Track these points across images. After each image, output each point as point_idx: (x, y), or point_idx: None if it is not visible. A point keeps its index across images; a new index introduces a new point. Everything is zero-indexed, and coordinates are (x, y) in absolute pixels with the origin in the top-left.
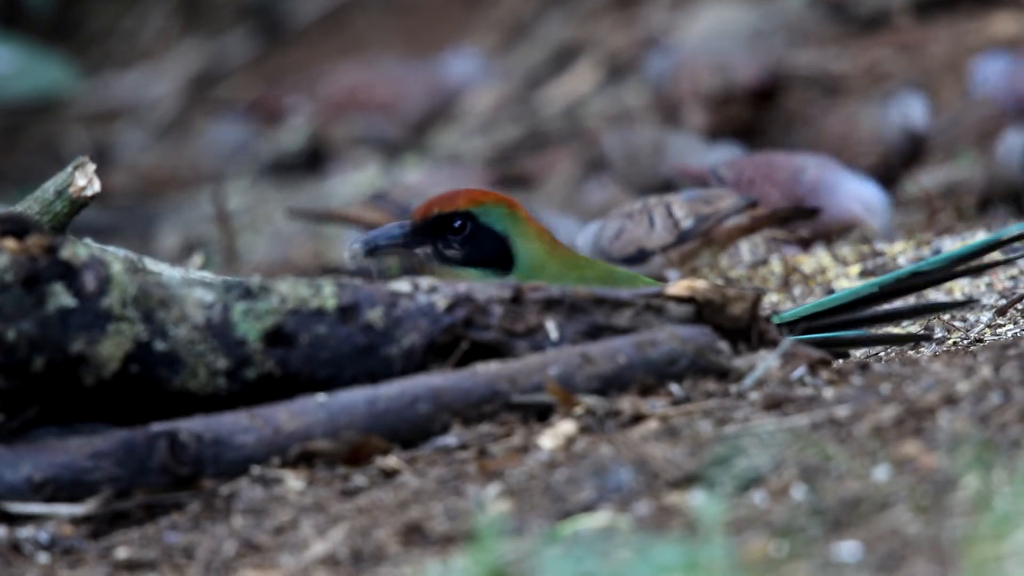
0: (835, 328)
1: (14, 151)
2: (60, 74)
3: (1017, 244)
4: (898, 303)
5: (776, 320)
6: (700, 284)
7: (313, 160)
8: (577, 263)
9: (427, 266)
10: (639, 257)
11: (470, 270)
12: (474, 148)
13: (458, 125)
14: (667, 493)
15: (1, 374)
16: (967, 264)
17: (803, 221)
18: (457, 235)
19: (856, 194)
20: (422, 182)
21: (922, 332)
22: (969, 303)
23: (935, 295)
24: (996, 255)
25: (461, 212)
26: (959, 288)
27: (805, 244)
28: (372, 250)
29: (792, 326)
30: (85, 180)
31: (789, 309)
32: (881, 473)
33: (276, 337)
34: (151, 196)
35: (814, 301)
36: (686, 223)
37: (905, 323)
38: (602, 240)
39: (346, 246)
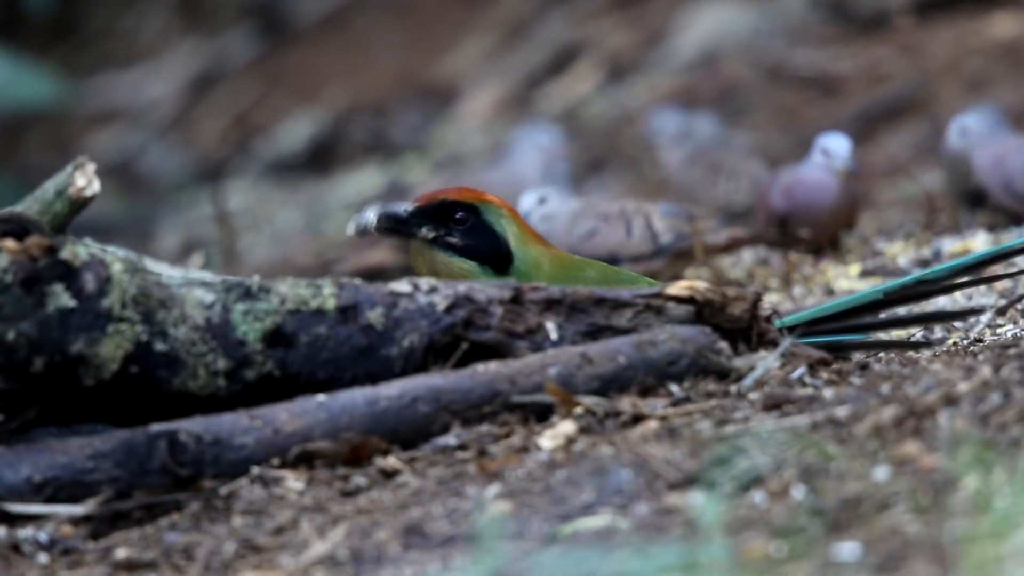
0: (837, 333)
1: (14, 152)
2: (51, 87)
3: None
4: (902, 311)
5: (777, 324)
6: (700, 284)
7: (314, 160)
8: (575, 264)
9: (425, 251)
10: (608, 262)
11: (466, 262)
12: (473, 148)
13: (457, 125)
14: (667, 493)
15: (1, 375)
16: (973, 273)
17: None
18: (459, 225)
19: (818, 146)
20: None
21: (924, 340)
22: (973, 312)
23: (941, 301)
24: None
25: (466, 204)
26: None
27: (815, 251)
28: (378, 227)
29: (794, 331)
30: (85, 180)
31: (790, 311)
32: (881, 473)
33: (276, 337)
34: None
35: (817, 306)
36: (665, 238)
37: (912, 330)
38: (571, 236)
39: (353, 218)
